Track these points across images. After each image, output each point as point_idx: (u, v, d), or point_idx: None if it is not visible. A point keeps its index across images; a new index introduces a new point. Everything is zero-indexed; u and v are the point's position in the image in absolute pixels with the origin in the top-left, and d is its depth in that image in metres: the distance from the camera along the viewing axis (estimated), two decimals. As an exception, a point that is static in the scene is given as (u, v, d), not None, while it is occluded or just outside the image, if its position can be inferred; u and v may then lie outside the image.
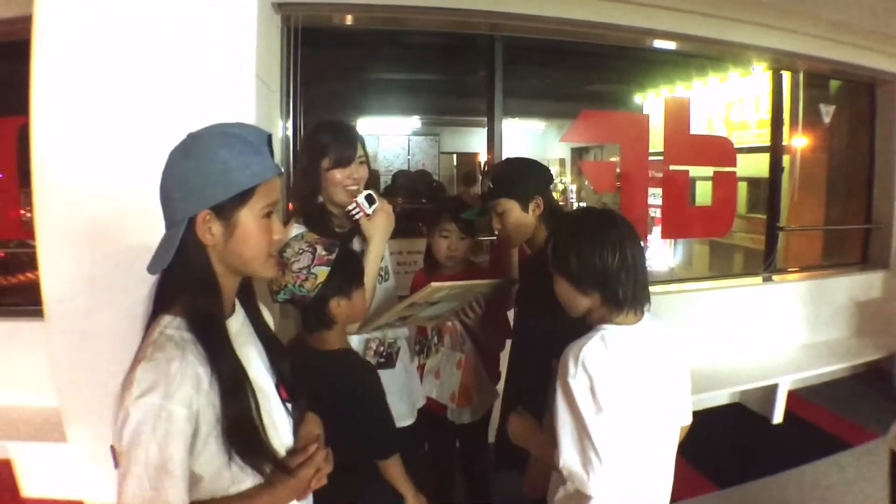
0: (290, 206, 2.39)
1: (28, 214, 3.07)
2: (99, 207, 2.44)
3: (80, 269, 2.48)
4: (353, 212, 1.90)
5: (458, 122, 9.30)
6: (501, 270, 2.37)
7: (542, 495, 1.65)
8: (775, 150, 4.82)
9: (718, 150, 4.46)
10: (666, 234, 4.78)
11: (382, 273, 2.04)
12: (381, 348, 2.04)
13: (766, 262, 4.81)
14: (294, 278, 1.57)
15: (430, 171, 8.65)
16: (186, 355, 1.02)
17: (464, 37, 4.22)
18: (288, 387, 1.30)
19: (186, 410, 0.99)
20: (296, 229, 1.84)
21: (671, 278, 5.99)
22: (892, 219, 5.09)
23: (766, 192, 4.91)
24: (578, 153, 9.65)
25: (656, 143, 4.23)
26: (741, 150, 4.68)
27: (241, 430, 1.07)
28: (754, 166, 5.16)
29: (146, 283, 1.12)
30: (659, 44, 4.22)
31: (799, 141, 5.25)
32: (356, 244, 1.96)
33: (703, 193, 4.75)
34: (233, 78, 2.50)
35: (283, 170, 1.85)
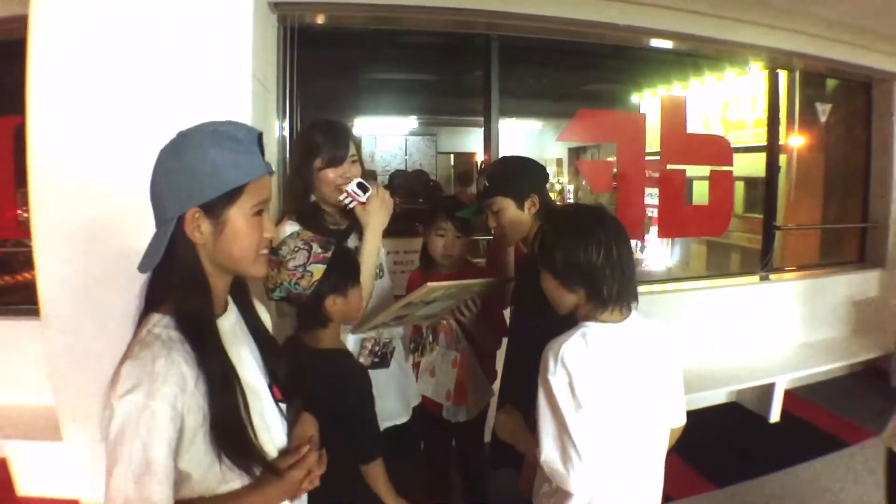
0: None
1: (25, 214, 3.07)
2: (95, 207, 2.44)
3: (76, 268, 2.48)
4: (347, 202, 1.89)
5: (455, 122, 9.30)
6: (498, 269, 2.37)
7: (538, 493, 1.66)
8: (772, 149, 4.82)
9: (715, 149, 4.47)
10: (663, 234, 4.78)
11: (378, 271, 2.03)
12: (377, 348, 2.03)
13: (762, 262, 4.81)
14: (290, 276, 1.57)
15: (427, 171, 8.66)
16: (172, 354, 1.02)
17: (460, 36, 4.23)
18: (282, 387, 1.30)
19: (170, 409, 0.99)
20: (290, 227, 1.83)
21: (668, 277, 5.99)
22: (888, 217, 5.10)
23: (763, 191, 4.92)
24: (576, 153, 9.64)
25: (653, 143, 4.24)
26: (738, 150, 4.68)
27: (228, 430, 1.06)
28: (751, 166, 5.16)
29: (142, 283, 1.12)
30: (655, 43, 4.22)
31: (795, 140, 5.26)
32: (352, 242, 1.96)
33: (701, 193, 4.76)
34: (229, 77, 2.51)
35: (274, 168, 1.84)
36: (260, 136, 1.13)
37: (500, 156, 3.69)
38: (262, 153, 1.13)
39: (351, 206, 1.90)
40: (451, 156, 10.03)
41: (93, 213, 2.44)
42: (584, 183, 8.40)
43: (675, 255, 7.11)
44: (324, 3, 3.30)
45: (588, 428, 1.35)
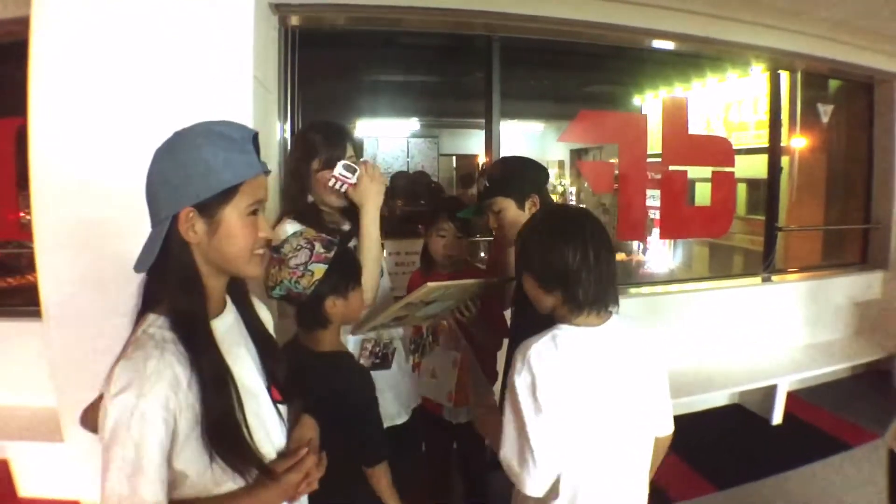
0: None
1: (27, 217, 3.07)
2: (97, 208, 2.44)
3: (78, 269, 2.49)
4: (338, 186, 1.87)
5: (457, 123, 9.29)
6: (498, 269, 2.37)
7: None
8: (773, 150, 4.81)
9: (717, 150, 4.46)
10: (664, 235, 4.78)
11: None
12: (377, 349, 2.03)
13: (765, 263, 4.80)
14: (290, 274, 1.56)
15: (428, 173, 8.65)
16: (165, 354, 1.02)
17: (461, 38, 4.23)
18: (281, 388, 1.29)
19: (162, 410, 0.99)
20: (290, 227, 1.83)
21: (671, 279, 5.99)
22: (890, 219, 5.09)
23: (765, 192, 4.91)
24: (578, 155, 9.63)
25: (655, 145, 4.24)
26: (740, 152, 4.68)
27: (220, 431, 1.06)
28: (753, 168, 5.16)
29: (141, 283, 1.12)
30: (657, 44, 4.22)
31: (797, 141, 5.25)
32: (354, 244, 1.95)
33: (703, 195, 4.75)
34: (230, 79, 2.51)
35: (273, 169, 1.83)
36: (255, 136, 1.13)
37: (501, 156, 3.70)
38: (258, 153, 1.13)
39: (343, 189, 1.88)
40: (454, 158, 10.02)
41: (95, 213, 2.44)
42: (585, 185, 8.40)
43: (678, 256, 7.10)
44: (325, 4, 3.30)
45: (547, 433, 1.33)
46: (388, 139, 9.23)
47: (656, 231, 4.75)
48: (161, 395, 0.99)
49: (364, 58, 5.55)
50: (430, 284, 1.83)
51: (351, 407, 1.62)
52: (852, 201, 5.47)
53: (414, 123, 9.27)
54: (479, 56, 3.97)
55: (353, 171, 1.87)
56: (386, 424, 1.95)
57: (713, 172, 4.38)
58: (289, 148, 3.26)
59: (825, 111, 5.15)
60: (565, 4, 3.57)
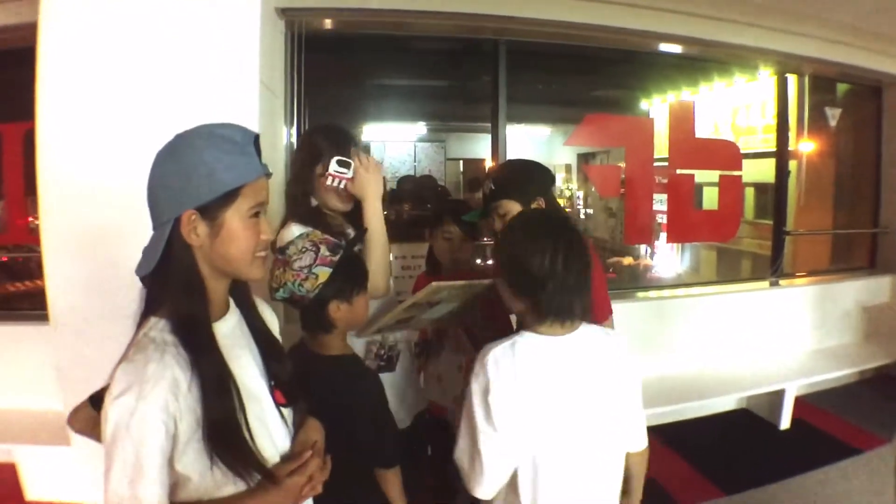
0: None
1: (36, 221, 3.09)
2: (104, 212, 2.45)
3: (86, 273, 2.50)
4: (335, 184, 1.87)
5: (464, 128, 9.31)
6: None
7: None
8: (781, 154, 4.79)
9: (724, 154, 4.44)
10: (671, 239, 4.76)
11: None
12: (382, 351, 2.01)
13: (772, 267, 4.78)
14: (294, 276, 1.54)
15: (434, 177, 8.66)
16: (165, 357, 1.02)
17: (468, 42, 4.24)
18: (285, 391, 1.28)
19: (161, 412, 0.98)
20: (297, 229, 1.81)
21: (678, 283, 5.96)
22: (899, 223, 5.05)
23: (773, 197, 4.88)
24: (585, 159, 9.62)
25: (662, 149, 4.22)
26: (747, 156, 4.66)
27: (221, 434, 1.06)
28: (761, 172, 5.14)
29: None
30: (664, 47, 4.22)
31: (805, 145, 5.23)
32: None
33: (710, 199, 4.74)
34: (236, 83, 2.52)
35: (279, 173, 1.83)
36: (257, 138, 1.13)
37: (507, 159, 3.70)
38: (260, 155, 1.13)
39: (341, 186, 1.87)
40: (461, 162, 10.03)
41: (102, 218, 2.45)
42: (592, 189, 8.39)
43: (685, 260, 7.07)
44: (331, 8, 3.31)
45: (496, 439, 1.31)
46: (395, 143, 9.27)
47: (663, 235, 4.74)
48: (161, 397, 0.98)
49: (371, 62, 5.56)
50: (435, 284, 1.81)
51: (361, 412, 1.61)
52: (860, 205, 5.44)
53: (421, 128, 9.30)
54: (485, 60, 3.98)
55: (348, 166, 1.87)
56: (390, 428, 1.95)
57: (720, 176, 4.37)
58: (295, 152, 3.27)
59: (833, 115, 5.13)
60: (572, 8, 3.57)
